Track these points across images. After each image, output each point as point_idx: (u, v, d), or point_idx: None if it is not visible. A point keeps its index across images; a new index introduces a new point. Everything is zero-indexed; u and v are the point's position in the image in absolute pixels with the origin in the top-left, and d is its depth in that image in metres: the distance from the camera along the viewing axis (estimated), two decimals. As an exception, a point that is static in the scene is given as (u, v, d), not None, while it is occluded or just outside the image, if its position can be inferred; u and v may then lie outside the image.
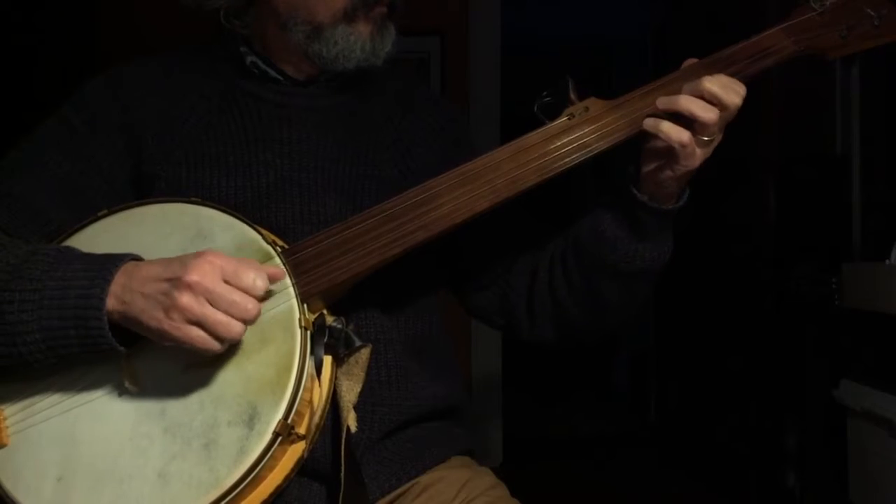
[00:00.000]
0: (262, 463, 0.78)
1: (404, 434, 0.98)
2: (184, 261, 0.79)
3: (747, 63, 0.88)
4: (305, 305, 0.84)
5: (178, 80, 1.02)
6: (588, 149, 0.89)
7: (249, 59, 1.01)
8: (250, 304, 0.78)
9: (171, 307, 0.76)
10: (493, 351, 3.13)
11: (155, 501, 0.78)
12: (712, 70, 0.88)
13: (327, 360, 0.85)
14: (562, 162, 0.88)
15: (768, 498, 2.37)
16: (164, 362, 0.82)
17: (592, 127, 0.89)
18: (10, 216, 0.92)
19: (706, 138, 0.86)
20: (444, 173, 0.89)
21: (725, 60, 0.89)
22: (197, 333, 0.77)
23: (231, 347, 0.80)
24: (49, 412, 0.84)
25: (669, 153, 0.87)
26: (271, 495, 0.80)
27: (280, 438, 0.78)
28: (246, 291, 0.78)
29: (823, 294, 2.00)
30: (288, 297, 0.83)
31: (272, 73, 1.01)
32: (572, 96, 0.90)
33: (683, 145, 0.85)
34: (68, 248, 0.87)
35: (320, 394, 0.83)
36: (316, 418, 0.83)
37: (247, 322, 0.79)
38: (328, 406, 0.85)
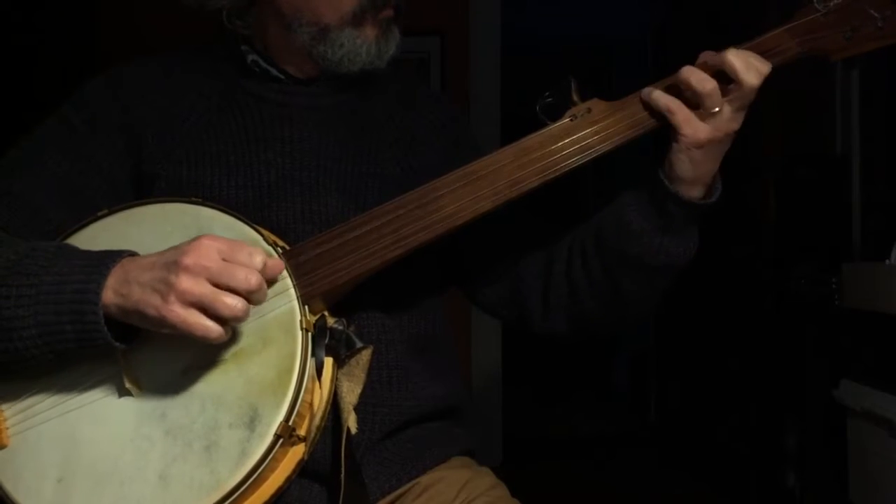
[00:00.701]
0: (264, 465, 0.77)
1: (405, 434, 0.97)
2: (178, 247, 0.78)
3: None
4: (306, 307, 0.84)
5: (179, 79, 1.02)
6: (590, 150, 0.88)
7: (250, 57, 1.01)
8: (251, 276, 0.77)
9: (169, 292, 0.75)
10: (493, 351, 3.14)
11: (156, 503, 0.78)
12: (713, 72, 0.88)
13: (328, 362, 0.84)
14: (564, 163, 0.88)
15: (768, 498, 2.37)
16: (164, 364, 0.82)
17: (595, 128, 0.89)
18: (9, 215, 0.92)
19: (714, 109, 0.84)
20: (445, 174, 0.89)
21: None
22: (195, 319, 0.75)
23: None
24: (49, 413, 0.84)
25: (670, 125, 0.86)
26: (272, 497, 0.80)
27: (281, 440, 0.78)
28: (243, 265, 0.77)
29: (823, 294, 2.00)
30: (289, 299, 0.83)
31: (273, 71, 1.01)
32: (575, 97, 0.89)
33: (671, 111, 0.85)
34: (67, 245, 0.86)
35: (321, 395, 0.83)
36: (317, 420, 0.83)
37: (250, 297, 0.77)
38: (329, 407, 0.85)
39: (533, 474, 2.92)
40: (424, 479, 0.96)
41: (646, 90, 0.88)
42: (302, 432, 0.80)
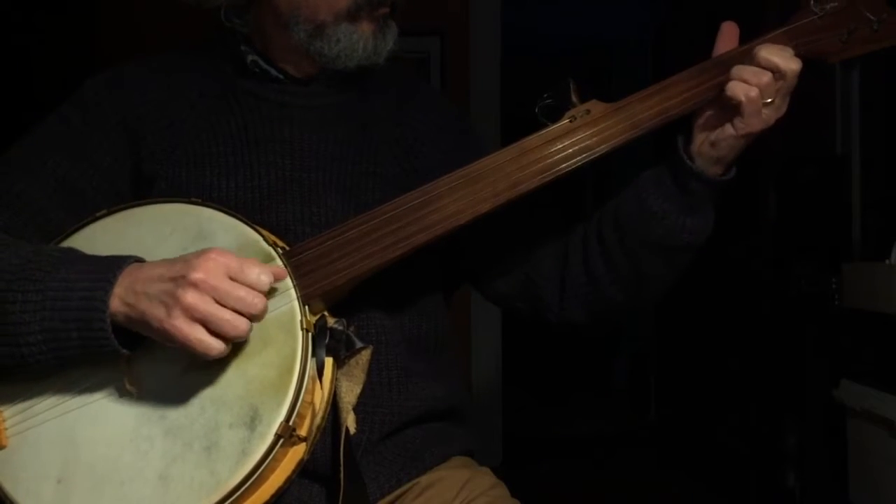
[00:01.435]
0: (264, 465, 0.77)
1: (405, 434, 0.97)
2: (187, 259, 0.78)
3: None
4: (307, 307, 0.84)
5: (178, 79, 1.02)
6: (589, 152, 0.89)
7: (250, 58, 1.01)
8: (257, 300, 0.78)
9: (175, 306, 0.76)
10: (493, 351, 3.14)
11: (156, 503, 0.78)
12: (712, 74, 0.88)
13: (328, 362, 0.84)
14: (563, 165, 0.88)
15: (768, 498, 2.37)
16: (164, 364, 0.82)
17: (594, 130, 0.89)
18: (9, 215, 0.92)
19: (768, 100, 0.87)
20: (445, 175, 0.89)
21: (725, 65, 0.89)
22: (197, 335, 0.76)
23: (232, 349, 0.80)
24: (49, 414, 0.84)
25: (735, 110, 0.88)
26: (272, 497, 0.80)
27: (282, 440, 0.77)
28: (251, 287, 0.78)
29: (823, 294, 2.00)
30: (289, 299, 0.83)
31: (273, 72, 1.01)
32: (574, 98, 0.90)
33: (751, 100, 0.86)
34: (71, 249, 0.86)
35: (321, 396, 0.83)
36: (317, 420, 0.83)
37: (254, 318, 0.78)
38: (329, 408, 0.85)
39: (533, 474, 2.93)
40: (424, 480, 0.96)
41: (731, 72, 0.88)
42: (302, 432, 0.80)
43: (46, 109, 1.00)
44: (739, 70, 0.87)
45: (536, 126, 0.90)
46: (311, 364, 0.81)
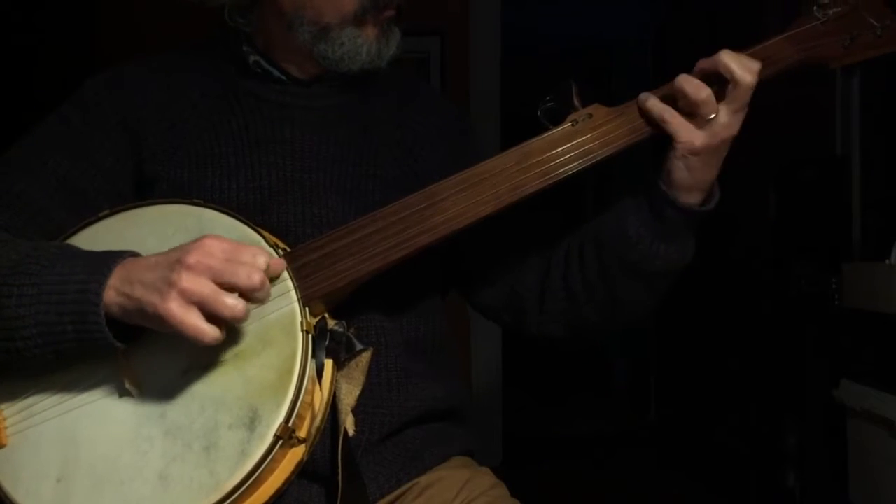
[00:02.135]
0: (263, 466, 0.77)
1: (404, 435, 0.97)
2: (182, 247, 0.78)
3: None
4: (307, 308, 0.84)
5: (179, 79, 1.02)
6: (591, 156, 0.88)
7: (252, 58, 1.01)
8: (255, 275, 0.77)
9: (169, 290, 0.75)
10: (493, 351, 3.14)
11: (155, 503, 0.78)
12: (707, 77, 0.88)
13: (328, 364, 0.84)
14: (564, 168, 0.88)
15: (768, 498, 2.37)
16: (164, 364, 0.82)
17: (595, 133, 0.89)
18: (10, 215, 0.92)
19: (710, 116, 0.85)
20: (447, 178, 0.89)
21: None
22: (192, 320, 0.75)
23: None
24: (49, 413, 0.84)
25: (666, 133, 0.87)
26: (271, 498, 0.79)
27: (281, 442, 0.77)
28: (247, 264, 0.77)
29: (823, 294, 2.00)
30: (290, 301, 0.83)
31: (275, 72, 1.01)
32: (576, 102, 0.90)
33: (665, 121, 0.86)
34: (69, 245, 0.86)
35: (321, 397, 0.83)
36: (317, 422, 0.83)
37: (252, 296, 0.77)
38: (328, 409, 0.85)
39: (533, 474, 2.93)
40: (424, 480, 0.96)
41: (641, 97, 0.89)
42: (302, 434, 0.80)
43: (46, 109, 1.00)
44: (681, 80, 0.86)
45: (537, 127, 0.90)
46: (310, 366, 0.81)
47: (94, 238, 0.88)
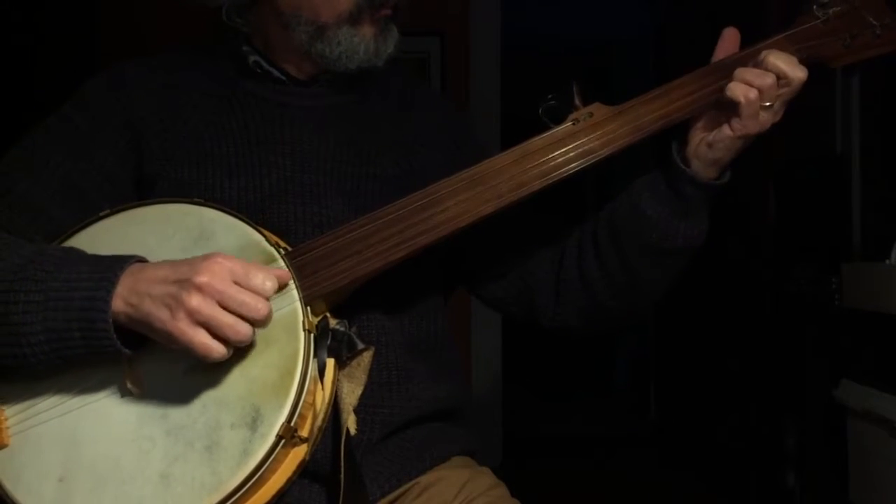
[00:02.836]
0: (265, 465, 0.77)
1: (405, 434, 0.98)
2: (192, 262, 0.78)
3: None
4: (309, 308, 0.84)
5: (180, 79, 1.02)
6: (592, 155, 0.89)
7: (252, 58, 1.01)
8: (261, 304, 0.78)
9: (178, 308, 0.76)
10: (493, 351, 3.14)
11: (157, 503, 0.78)
12: (715, 77, 0.88)
13: (330, 363, 0.84)
14: (566, 168, 0.88)
15: (768, 498, 2.37)
16: (166, 364, 0.82)
17: (597, 133, 0.89)
18: (11, 215, 0.92)
19: (767, 103, 0.87)
20: (448, 177, 0.89)
21: (728, 68, 0.89)
22: (200, 339, 0.76)
23: (234, 350, 0.80)
24: (50, 413, 0.84)
25: (733, 111, 0.88)
26: (273, 497, 0.80)
27: (283, 441, 0.78)
28: (255, 292, 0.78)
29: (823, 294, 2.00)
30: (291, 300, 0.83)
31: (275, 72, 1.01)
32: (577, 101, 0.90)
33: (750, 102, 0.87)
34: (73, 249, 0.86)
35: (323, 397, 0.83)
36: (319, 421, 0.83)
37: (257, 323, 0.78)
38: (330, 409, 0.85)
39: (533, 474, 2.93)
40: (424, 479, 0.96)
41: (738, 71, 0.88)
42: (304, 433, 0.80)
43: (47, 110, 1.00)
44: (742, 72, 0.87)
45: (537, 127, 0.90)
46: (312, 365, 0.81)
47: (95, 238, 0.88)
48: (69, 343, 0.79)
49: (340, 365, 0.86)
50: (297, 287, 0.83)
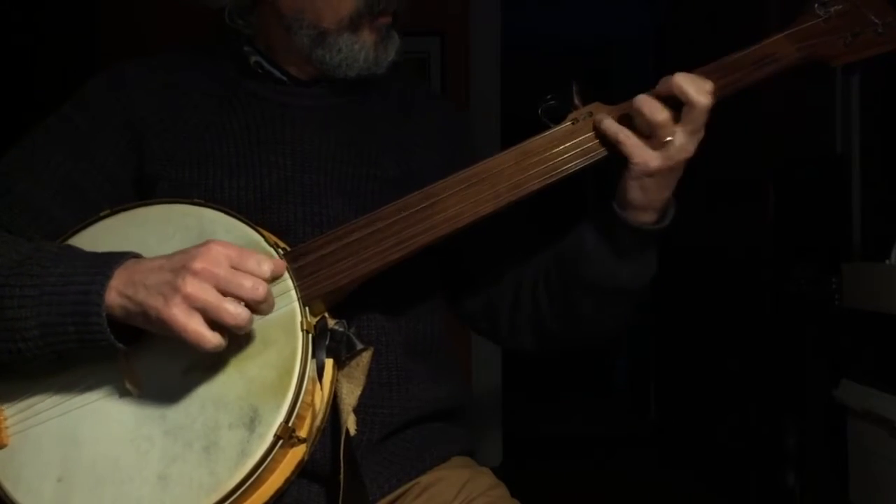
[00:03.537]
0: (263, 466, 0.77)
1: (405, 435, 0.98)
2: (187, 251, 0.78)
3: (750, 70, 0.87)
4: (307, 308, 0.84)
5: (181, 78, 1.02)
6: (592, 154, 0.88)
7: (253, 59, 1.01)
8: (259, 286, 0.77)
9: (174, 295, 0.75)
10: (493, 351, 3.14)
11: (155, 503, 0.78)
12: (713, 77, 0.88)
13: (329, 363, 0.84)
14: (565, 167, 0.88)
15: (768, 498, 2.37)
16: (165, 364, 0.82)
17: (596, 132, 0.89)
18: (11, 215, 0.92)
19: (667, 138, 0.84)
20: (447, 177, 0.89)
21: (728, 67, 0.88)
22: (193, 326, 0.75)
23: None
24: (49, 413, 0.84)
25: (621, 154, 0.86)
26: (271, 498, 0.80)
27: (281, 441, 0.77)
28: (252, 275, 0.77)
29: (823, 294, 2.00)
30: (290, 300, 0.83)
31: (276, 73, 1.01)
32: (577, 100, 0.89)
33: (619, 142, 0.85)
34: (70, 246, 0.86)
35: (322, 397, 0.83)
36: (317, 421, 0.83)
37: (256, 307, 0.77)
38: (329, 409, 0.85)
39: (533, 474, 2.93)
40: (424, 479, 0.96)
41: (597, 118, 0.87)
42: (302, 433, 0.80)
43: (47, 110, 1.00)
44: (639, 101, 0.84)
45: (537, 127, 0.90)
46: (311, 365, 0.81)
47: (95, 238, 0.88)
48: (63, 337, 0.79)
49: (339, 365, 0.86)
50: (295, 287, 0.83)
